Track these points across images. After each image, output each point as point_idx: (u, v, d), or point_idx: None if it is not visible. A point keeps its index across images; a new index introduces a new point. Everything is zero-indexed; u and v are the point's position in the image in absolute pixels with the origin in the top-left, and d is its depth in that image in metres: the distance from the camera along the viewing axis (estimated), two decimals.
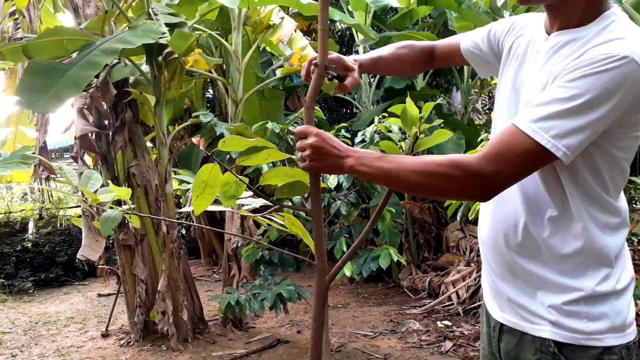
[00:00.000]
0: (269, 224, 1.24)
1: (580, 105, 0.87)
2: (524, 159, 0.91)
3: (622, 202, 1.03)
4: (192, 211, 1.22)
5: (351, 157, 1.03)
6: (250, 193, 1.23)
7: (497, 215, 1.09)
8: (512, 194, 1.05)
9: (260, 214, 1.24)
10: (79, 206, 4.57)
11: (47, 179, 4.59)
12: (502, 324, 1.10)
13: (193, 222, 7.45)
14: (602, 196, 0.98)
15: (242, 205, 1.25)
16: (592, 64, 0.88)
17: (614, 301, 0.98)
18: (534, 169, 0.95)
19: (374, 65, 1.34)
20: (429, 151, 6.20)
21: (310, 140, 1.04)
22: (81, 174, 4.16)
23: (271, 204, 1.24)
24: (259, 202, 1.26)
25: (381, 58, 1.35)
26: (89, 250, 3.93)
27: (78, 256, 3.96)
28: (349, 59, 1.26)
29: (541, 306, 1.01)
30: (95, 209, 3.96)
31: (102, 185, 1.44)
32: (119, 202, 1.44)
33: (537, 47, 1.05)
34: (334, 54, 1.23)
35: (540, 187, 1.02)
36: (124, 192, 1.23)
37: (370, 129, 3.42)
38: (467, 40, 1.30)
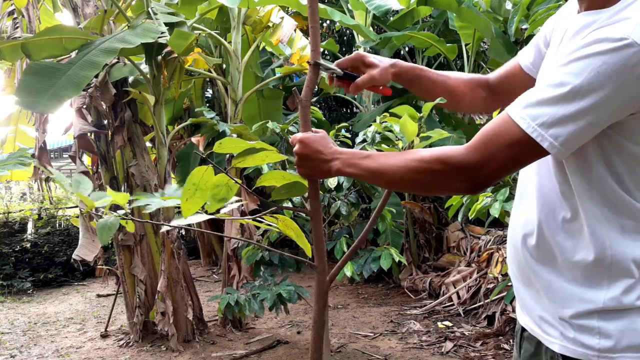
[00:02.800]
0: (269, 224, 1.22)
1: (571, 92, 0.79)
2: (511, 149, 0.84)
3: None
4: None
5: (337, 159, 1.01)
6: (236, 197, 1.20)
7: (517, 216, 1.05)
8: (531, 193, 1.00)
9: (257, 215, 1.21)
10: (78, 206, 4.56)
11: (47, 180, 4.57)
12: (522, 330, 1.06)
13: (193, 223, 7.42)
14: (622, 197, 0.88)
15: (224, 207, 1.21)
16: (585, 46, 0.80)
17: (634, 317, 0.88)
18: (523, 161, 0.88)
19: (413, 73, 1.20)
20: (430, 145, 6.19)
21: (295, 147, 1.04)
22: (81, 173, 4.14)
23: (268, 206, 1.22)
24: (237, 205, 1.22)
25: (426, 71, 1.23)
26: (85, 250, 3.92)
27: (74, 256, 3.94)
28: (375, 57, 1.17)
29: (552, 316, 0.96)
30: (93, 210, 3.94)
31: (99, 188, 1.41)
32: (116, 206, 1.41)
33: (568, 31, 0.97)
34: (360, 52, 1.18)
35: (554, 186, 0.95)
36: (121, 198, 1.20)
37: (372, 129, 3.41)
38: (524, 55, 1.18)
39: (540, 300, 0.99)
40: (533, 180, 0.99)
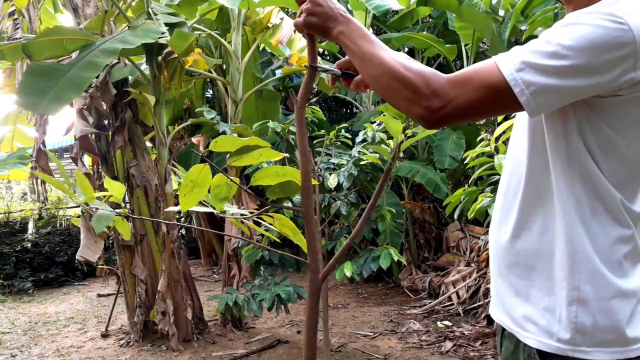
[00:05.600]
0: (269, 224, 1.23)
1: (555, 50, 0.83)
2: (484, 89, 0.86)
3: (636, 205, 0.94)
4: (193, 211, 1.20)
5: (344, 24, 1.01)
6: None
7: (499, 208, 1.07)
8: (515, 185, 1.02)
9: (254, 214, 1.23)
10: (79, 206, 4.55)
11: (43, 182, 4.57)
12: (503, 329, 1.07)
13: (194, 222, 7.44)
14: (598, 177, 0.90)
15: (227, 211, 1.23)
16: (581, 15, 0.85)
17: (610, 311, 0.90)
18: (491, 105, 0.88)
19: None
20: (430, 146, 6.18)
21: None
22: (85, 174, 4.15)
23: (265, 205, 1.23)
24: (244, 212, 1.25)
25: None
26: (88, 251, 3.92)
27: (77, 257, 3.95)
28: None
29: (530, 310, 0.97)
30: (94, 210, 3.95)
31: (99, 188, 1.43)
32: (116, 206, 1.43)
33: None
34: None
35: (534, 177, 0.98)
36: (117, 189, 1.22)
37: (374, 128, 3.43)
38: None
39: (518, 295, 1.00)
40: (512, 182, 1.02)
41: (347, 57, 1.20)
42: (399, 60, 0.94)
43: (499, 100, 0.87)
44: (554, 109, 0.90)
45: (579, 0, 0.96)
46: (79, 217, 4.43)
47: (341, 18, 1.01)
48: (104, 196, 1.31)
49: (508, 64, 0.85)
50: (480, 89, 0.86)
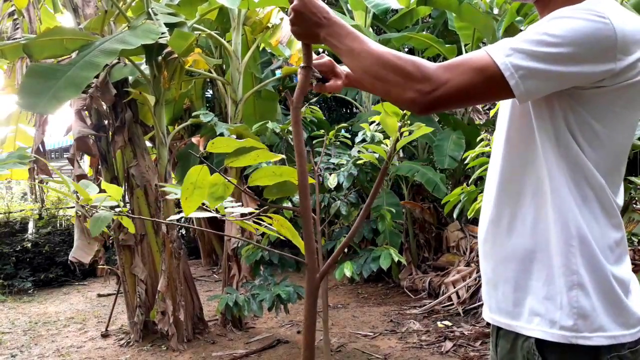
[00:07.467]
0: (268, 224, 1.23)
1: (544, 39, 0.87)
2: (474, 73, 0.89)
3: (619, 198, 0.98)
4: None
5: (325, 27, 1.03)
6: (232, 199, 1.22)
7: (488, 208, 1.08)
8: (506, 182, 1.03)
9: (253, 215, 1.22)
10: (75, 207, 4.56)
11: (41, 182, 4.58)
12: (498, 329, 1.07)
13: (193, 222, 7.43)
14: (586, 165, 0.93)
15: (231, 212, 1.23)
16: (570, 10, 0.89)
17: (607, 294, 0.93)
18: (480, 89, 0.91)
19: (358, 81, 1.31)
20: (430, 146, 6.19)
21: (294, 3, 1.05)
22: (77, 176, 4.13)
23: (263, 206, 1.23)
24: (248, 209, 1.24)
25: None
26: (81, 252, 3.91)
27: (70, 258, 3.93)
28: (341, 68, 1.26)
29: (530, 301, 0.98)
30: (89, 210, 3.95)
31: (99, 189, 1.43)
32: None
33: None
34: (326, 58, 1.24)
35: (518, 170, 1.00)
36: (115, 191, 1.22)
37: (372, 127, 3.43)
38: None
39: (521, 289, 1.00)
40: (502, 179, 1.03)
41: (321, 61, 1.23)
42: (387, 50, 0.98)
43: (489, 84, 0.90)
44: (541, 96, 0.93)
45: (555, 8, 0.96)
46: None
47: (324, 21, 1.03)
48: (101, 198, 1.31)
49: (498, 51, 0.89)
50: (471, 72, 0.90)
